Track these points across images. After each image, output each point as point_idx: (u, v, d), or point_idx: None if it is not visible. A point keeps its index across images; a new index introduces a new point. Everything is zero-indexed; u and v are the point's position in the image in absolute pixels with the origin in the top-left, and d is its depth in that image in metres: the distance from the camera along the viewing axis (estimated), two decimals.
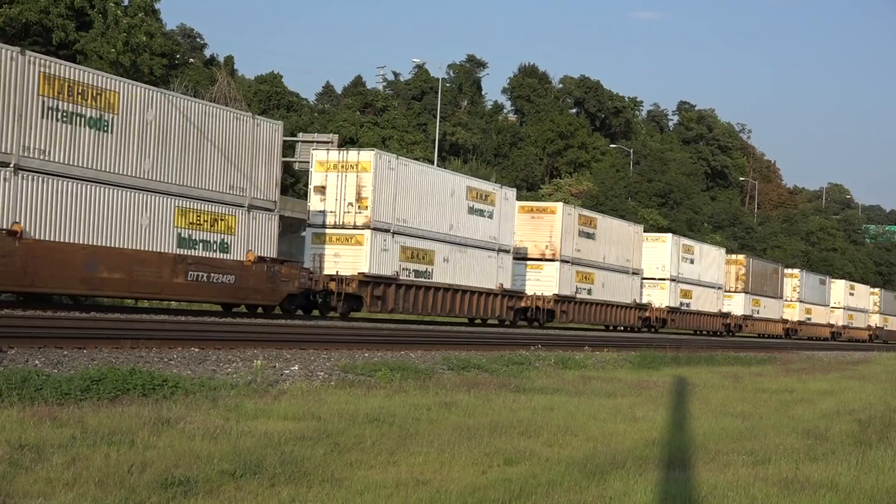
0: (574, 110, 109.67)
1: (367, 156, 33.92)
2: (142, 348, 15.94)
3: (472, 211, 39.01)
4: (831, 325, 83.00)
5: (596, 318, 48.63)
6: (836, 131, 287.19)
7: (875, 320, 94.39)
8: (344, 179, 33.67)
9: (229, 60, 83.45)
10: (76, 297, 26.57)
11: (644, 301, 53.74)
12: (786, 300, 74.85)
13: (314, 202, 34.15)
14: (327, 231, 33.62)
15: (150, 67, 55.64)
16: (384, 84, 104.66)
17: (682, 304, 57.24)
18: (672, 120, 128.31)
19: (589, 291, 47.44)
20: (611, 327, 51.72)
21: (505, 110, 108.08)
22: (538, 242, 45.15)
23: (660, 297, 55.35)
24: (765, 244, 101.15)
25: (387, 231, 34.05)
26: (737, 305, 66.23)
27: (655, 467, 9.06)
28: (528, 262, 44.85)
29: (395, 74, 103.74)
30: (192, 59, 76.96)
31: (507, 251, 41.21)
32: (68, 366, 13.08)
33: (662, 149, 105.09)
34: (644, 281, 54.15)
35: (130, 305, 29.23)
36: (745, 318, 66.78)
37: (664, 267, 55.75)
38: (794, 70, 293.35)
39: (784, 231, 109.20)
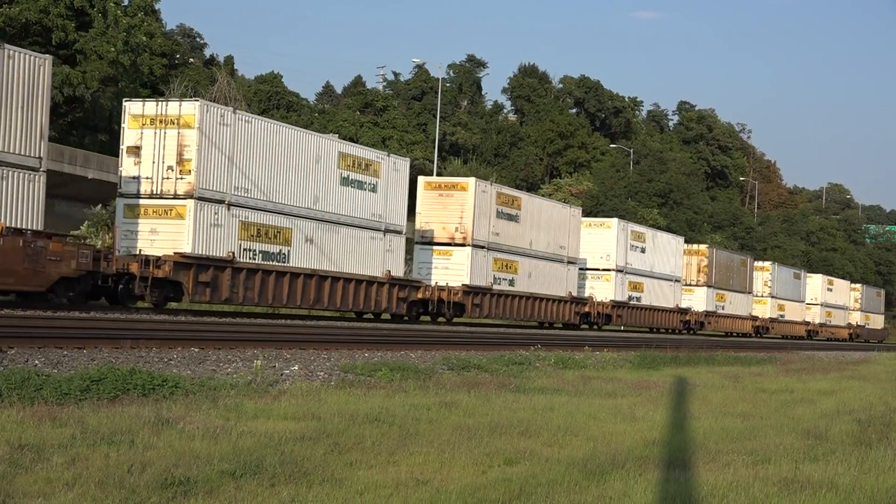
0: (574, 110, 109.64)
1: (190, 108, 27.75)
2: (142, 348, 15.95)
3: (347, 182, 32.57)
4: (807, 323, 78.04)
5: (519, 312, 42.45)
6: (836, 131, 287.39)
7: (856, 318, 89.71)
8: (163, 137, 27.80)
9: (229, 60, 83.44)
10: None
11: (585, 294, 48.57)
12: (756, 295, 69.89)
13: (127, 166, 28.20)
14: (142, 202, 27.87)
15: (150, 67, 55.65)
16: (384, 84, 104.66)
17: (630, 297, 51.68)
18: (672, 120, 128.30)
19: (511, 282, 41.45)
20: (545, 324, 46.18)
21: (505, 110, 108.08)
22: (447, 224, 38.77)
23: (604, 290, 49.55)
24: (765, 244, 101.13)
25: (220, 202, 28.26)
26: (698, 300, 60.69)
27: (655, 467, 9.06)
28: (435, 248, 38.79)
29: (395, 74, 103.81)
30: (192, 59, 76.94)
31: (397, 232, 35.00)
32: (68, 366, 13.08)
33: (662, 149, 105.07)
34: (586, 272, 49.14)
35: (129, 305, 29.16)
36: (708, 314, 61.23)
37: (609, 256, 49.82)
38: (794, 70, 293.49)
39: (784, 231, 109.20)
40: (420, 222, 39.22)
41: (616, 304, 50.05)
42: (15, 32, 51.18)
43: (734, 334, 65.04)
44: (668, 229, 74.32)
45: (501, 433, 10.48)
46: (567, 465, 8.89)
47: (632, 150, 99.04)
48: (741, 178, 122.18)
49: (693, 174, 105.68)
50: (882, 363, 34.55)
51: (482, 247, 39.45)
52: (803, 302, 77.54)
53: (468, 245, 38.76)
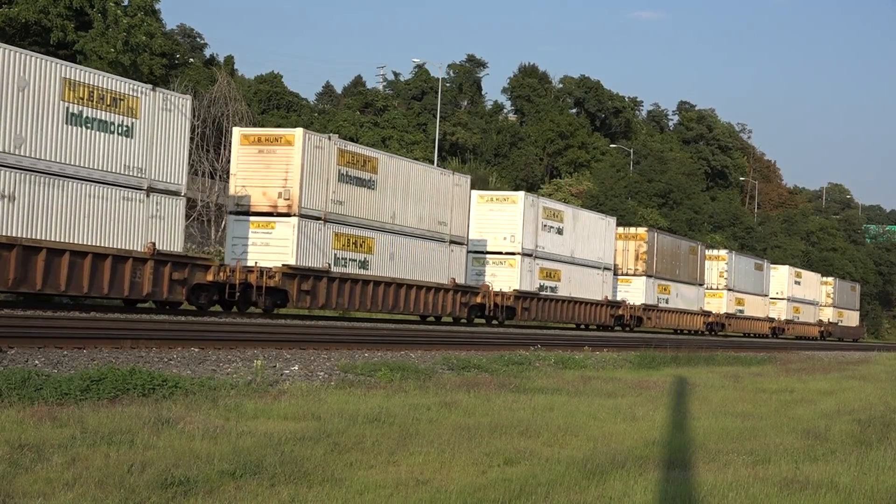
0: (574, 110, 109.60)
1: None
2: (142, 348, 15.95)
3: (78, 120, 24.16)
4: (771, 320, 70.60)
5: (371, 303, 33.25)
6: (836, 131, 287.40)
7: (828, 314, 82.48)
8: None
9: (229, 60, 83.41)
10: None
11: (477, 283, 40.52)
12: (709, 287, 62.26)
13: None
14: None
15: (150, 67, 55.63)
16: (384, 84, 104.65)
17: (542, 287, 43.35)
18: (672, 120, 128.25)
19: (362, 264, 32.81)
20: (429, 318, 37.94)
21: (505, 110, 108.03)
22: (268, 189, 30.70)
23: (506, 279, 41.32)
24: (765, 244, 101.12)
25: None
26: (636, 292, 52.30)
27: (655, 467, 9.06)
28: (253, 219, 30.69)
29: (396, 74, 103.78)
30: (192, 59, 76.92)
31: (172, 194, 26.71)
32: (68, 366, 13.08)
33: (662, 149, 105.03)
34: (485, 256, 41.57)
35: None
36: (648, 308, 52.57)
37: (514, 237, 41.43)
38: (795, 70, 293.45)
39: (784, 231, 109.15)
40: (235, 186, 31.36)
41: (521, 296, 41.43)
42: (15, 32, 51.18)
43: (682, 332, 57.30)
44: (670, 230, 74.08)
45: (501, 433, 10.48)
46: (567, 465, 8.89)
47: (632, 150, 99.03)
48: (741, 178, 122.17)
49: (693, 174, 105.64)
50: (882, 363, 34.55)
51: (316, 218, 31.17)
52: (766, 296, 70.24)
53: (294, 215, 30.31)
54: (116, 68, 48.45)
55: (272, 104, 77.99)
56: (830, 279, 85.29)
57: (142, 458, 7.94)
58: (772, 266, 73.05)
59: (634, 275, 52.82)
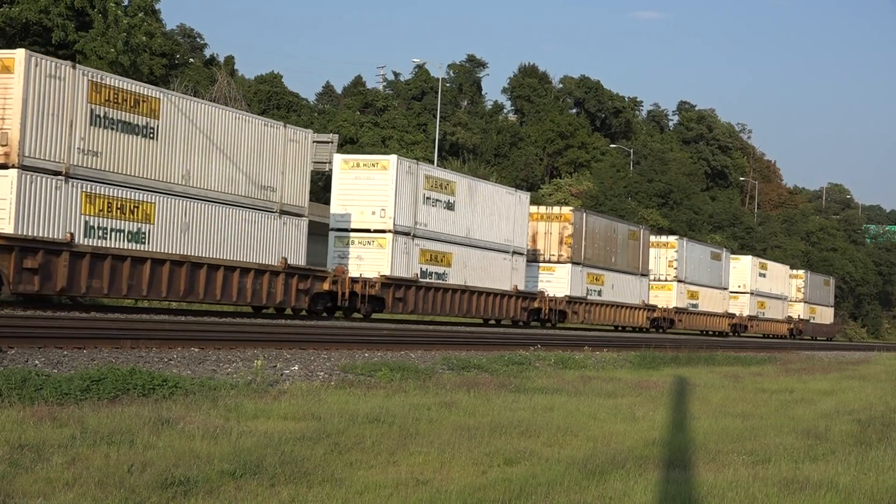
0: (574, 110, 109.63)
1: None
2: (142, 348, 15.95)
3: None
4: (731, 316, 64.23)
5: (149, 287, 25.33)
6: (836, 131, 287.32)
7: (798, 310, 76.18)
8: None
9: (229, 60, 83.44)
10: None
11: (330, 265, 33.63)
12: (656, 278, 55.65)
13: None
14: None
15: (150, 67, 55.63)
16: (384, 84, 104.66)
17: (425, 273, 35.82)
18: (672, 120, 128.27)
19: (139, 237, 25.10)
20: (269, 308, 30.71)
21: (505, 110, 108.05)
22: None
23: (375, 262, 33.77)
24: (765, 244, 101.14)
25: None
26: (559, 282, 45.27)
27: (655, 467, 9.06)
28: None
29: (396, 74, 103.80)
30: (192, 59, 76.92)
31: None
32: (68, 366, 13.08)
33: (662, 149, 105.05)
34: (348, 235, 34.24)
35: (130, 305, 29.20)
36: (574, 301, 45.51)
37: (384, 211, 34.04)
38: (795, 70, 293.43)
39: (784, 231, 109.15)
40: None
41: (394, 283, 34.08)
42: (15, 32, 51.19)
43: (621, 328, 51.54)
44: (671, 230, 73.76)
45: (501, 433, 10.48)
46: (567, 465, 8.89)
47: (632, 150, 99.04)
48: (741, 178, 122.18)
49: (693, 174, 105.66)
50: (882, 363, 34.57)
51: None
52: (726, 289, 63.42)
53: (11, 168, 22.21)
54: (116, 68, 48.45)
55: (272, 104, 78.00)
56: (801, 272, 78.81)
57: (142, 458, 7.94)
58: (732, 256, 67.11)
59: (558, 262, 45.64)
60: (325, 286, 31.50)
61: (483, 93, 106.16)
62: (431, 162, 68.18)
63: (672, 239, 58.19)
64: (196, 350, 16.63)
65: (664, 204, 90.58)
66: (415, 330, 28.88)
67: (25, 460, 7.58)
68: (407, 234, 35.07)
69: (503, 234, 40.91)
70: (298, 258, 30.39)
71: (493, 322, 42.16)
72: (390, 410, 11.44)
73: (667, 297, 55.97)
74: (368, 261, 33.83)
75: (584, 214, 48.00)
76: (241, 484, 7.37)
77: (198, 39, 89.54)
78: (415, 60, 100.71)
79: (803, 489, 8.41)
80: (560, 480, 8.17)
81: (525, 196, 43.44)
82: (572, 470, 8.63)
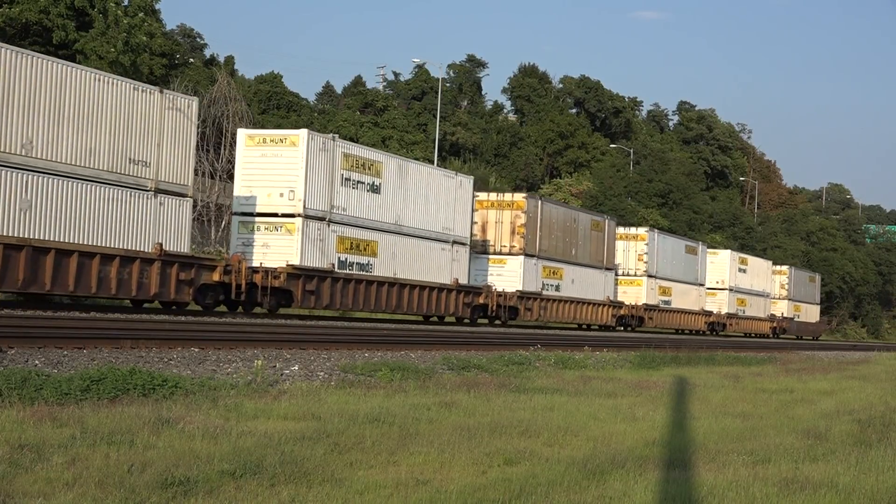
0: (574, 110, 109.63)
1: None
2: (142, 348, 15.95)
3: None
4: (708, 313, 60.81)
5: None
6: (836, 131, 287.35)
7: (782, 308, 73.10)
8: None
9: (229, 60, 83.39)
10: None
11: (235, 253, 30.26)
12: (624, 273, 52.36)
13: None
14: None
15: (150, 67, 55.65)
16: (384, 84, 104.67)
17: (343, 264, 32.30)
18: (672, 120, 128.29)
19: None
20: (175, 305, 27.33)
21: (505, 110, 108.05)
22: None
23: (283, 251, 30.53)
24: (765, 244, 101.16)
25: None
26: (511, 276, 41.55)
27: (655, 467, 9.06)
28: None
29: (396, 74, 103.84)
30: (192, 59, 76.92)
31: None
32: (68, 366, 13.08)
33: (662, 149, 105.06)
34: (253, 220, 30.91)
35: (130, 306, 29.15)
36: (527, 296, 42.07)
37: (293, 192, 30.57)
38: (795, 70, 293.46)
39: (784, 231, 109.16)
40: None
41: (301, 274, 30.47)
42: (15, 32, 51.20)
43: (584, 326, 48.50)
44: (671, 230, 73.69)
45: (501, 433, 10.48)
46: (567, 465, 8.89)
47: (632, 150, 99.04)
48: (741, 178, 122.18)
49: (693, 174, 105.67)
50: (882, 363, 34.57)
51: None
52: (702, 285, 60.19)
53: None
54: (117, 68, 48.44)
55: (272, 104, 78.00)
56: (784, 268, 75.53)
57: (142, 458, 7.94)
58: (710, 250, 63.38)
59: (510, 253, 41.95)
60: (215, 277, 27.65)
61: (483, 93, 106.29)
62: (432, 162, 68.09)
63: (642, 231, 54.61)
64: (196, 350, 16.63)
65: (664, 204, 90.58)
66: (415, 330, 28.88)
67: (25, 460, 7.58)
68: (321, 218, 31.55)
69: (441, 222, 37.26)
70: (180, 244, 26.54)
71: (434, 319, 38.68)
72: (390, 410, 11.44)
73: (636, 293, 52.65)
74: (276, 248, 30.56)
75: (540, 202, 44.22)
76: (241, 484, 7.37)
77: (198, 39, 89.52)
78: (415, 60, 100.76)
79: (803, 489, 8.41)
80: (560, 480, 8.17)
81: (468, 180, 39.68)
82: (572, 470, 8.63)
